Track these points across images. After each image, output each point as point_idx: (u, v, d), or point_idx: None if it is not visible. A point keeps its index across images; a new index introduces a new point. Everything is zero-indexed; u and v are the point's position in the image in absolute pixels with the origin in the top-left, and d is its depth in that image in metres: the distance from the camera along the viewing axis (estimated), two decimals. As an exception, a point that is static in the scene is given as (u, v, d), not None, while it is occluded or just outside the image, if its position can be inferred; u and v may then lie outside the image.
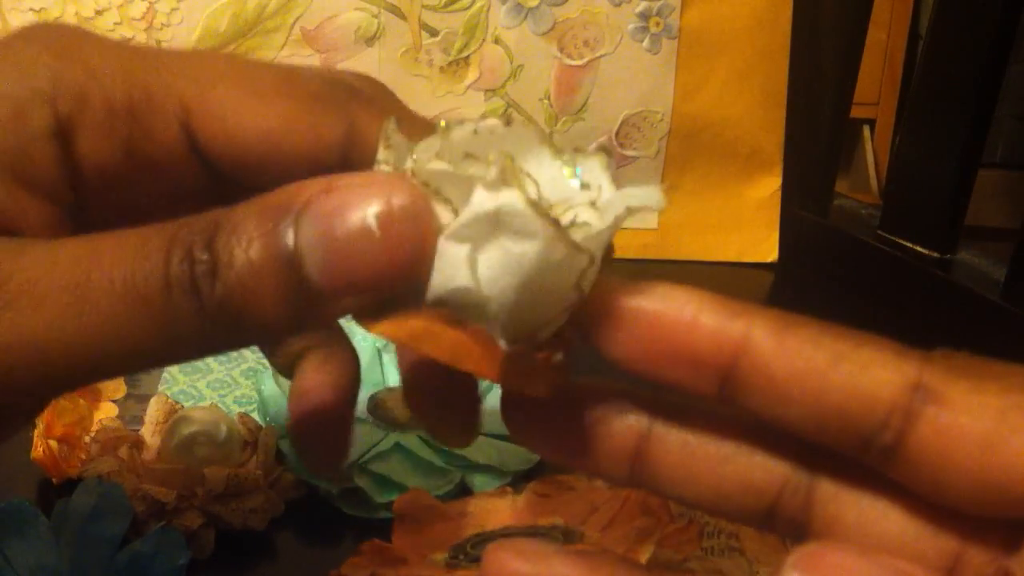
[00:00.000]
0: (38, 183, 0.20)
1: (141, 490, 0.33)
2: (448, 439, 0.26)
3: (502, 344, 0.18)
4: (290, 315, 0.18)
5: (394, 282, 0.17)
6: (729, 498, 0.20)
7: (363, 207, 0.17)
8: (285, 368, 0.27)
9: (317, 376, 0.25)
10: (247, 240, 0.17)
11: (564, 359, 0.19)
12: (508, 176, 0.17)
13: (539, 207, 0.17)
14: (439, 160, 0.18)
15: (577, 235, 0.17)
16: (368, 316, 0.18)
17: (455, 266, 0.17)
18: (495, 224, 0.17)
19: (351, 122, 0.22)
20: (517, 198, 0.16)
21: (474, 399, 0.24)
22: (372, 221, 0.17)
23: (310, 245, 0.17)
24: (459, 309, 0.18)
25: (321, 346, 0.26)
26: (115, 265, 0.18)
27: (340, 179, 0.18)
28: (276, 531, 0.35)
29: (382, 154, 0.19)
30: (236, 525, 0.34)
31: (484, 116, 0.19)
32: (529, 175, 0.18)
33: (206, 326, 0.18)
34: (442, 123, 0.18)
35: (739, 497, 0.19)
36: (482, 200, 0.17)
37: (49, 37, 0.21)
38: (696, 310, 0.18)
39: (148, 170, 0.22)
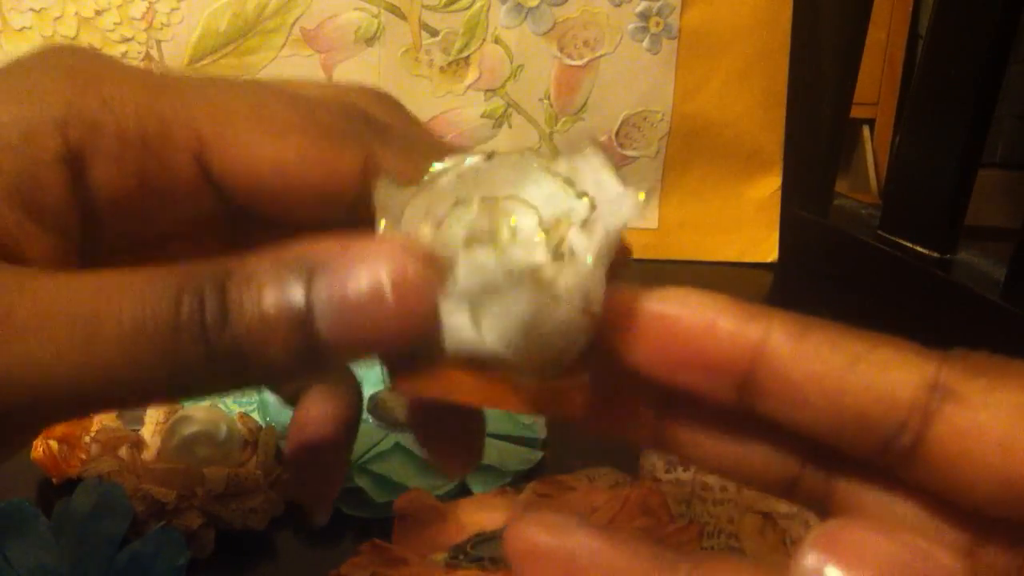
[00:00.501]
0: (46, 210, 0.20)
1: (141, 490, 0.33)
2: (452, 470, 0.27)
3: (528, 381, 0.18)
4: (297, 365, 0.18)
5: (402, 343, 0.18)
6: (752, 466, 0.20)
7: (377, 272, 0.17)
8: (289, 398, 0.27)
9: (318, 409, 0.26)
10: (259, 290, 0.18)
11: (588, 378, 0.19)
12: (494, 224, 0.17)
13: (523, 254, 0.17)
14: (430, 217, 0.18)
15: (568, 274, 0.17)
16: (394, 373, 0.19)
17: (460, 326, 0.18)
18: (487, 282, 0.17)
19: (367, 155, 0.22)
20: (494, 258, 0.17)
21: (480, 431, 0.24)
22: (386, 287, 0.17)
23: (322, 303, 0.18)
24: (477, 362, 0.18)
25: (325, 379, 0.26)
26: (124, 303, 0.18)
27: (355, 241, 0.18)
28: (276, 531, 0.35)
29: (379, 213, 0.19)
30: (236, 525, 0.34)
31: (470, 153, 0.19)
32: (526, 201, 0.18)
33: (212, 369, 0.18)
34: (432, 168, 0.19)
35: (762, 467, 0.20)
36: (471, 262, 0.17)
37: (66, 63, 0.21)
38: (713, 314, 0.18)
39: (161, 201, 0.22)
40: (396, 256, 0.18)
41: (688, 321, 0.18)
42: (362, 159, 0.22)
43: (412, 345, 0.18)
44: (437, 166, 0.19)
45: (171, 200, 0.22)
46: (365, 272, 0.18)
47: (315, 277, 0.18)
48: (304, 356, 0.18)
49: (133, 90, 0.21)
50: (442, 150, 0.22)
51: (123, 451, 0.36)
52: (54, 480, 0.36)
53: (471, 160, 0.19)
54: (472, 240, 0.17)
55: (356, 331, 0.18)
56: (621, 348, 0.19)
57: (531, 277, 0.17)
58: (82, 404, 0.19)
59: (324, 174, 0.22)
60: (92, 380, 0.18)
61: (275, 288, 0.18)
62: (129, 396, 0.19)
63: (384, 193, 0.19)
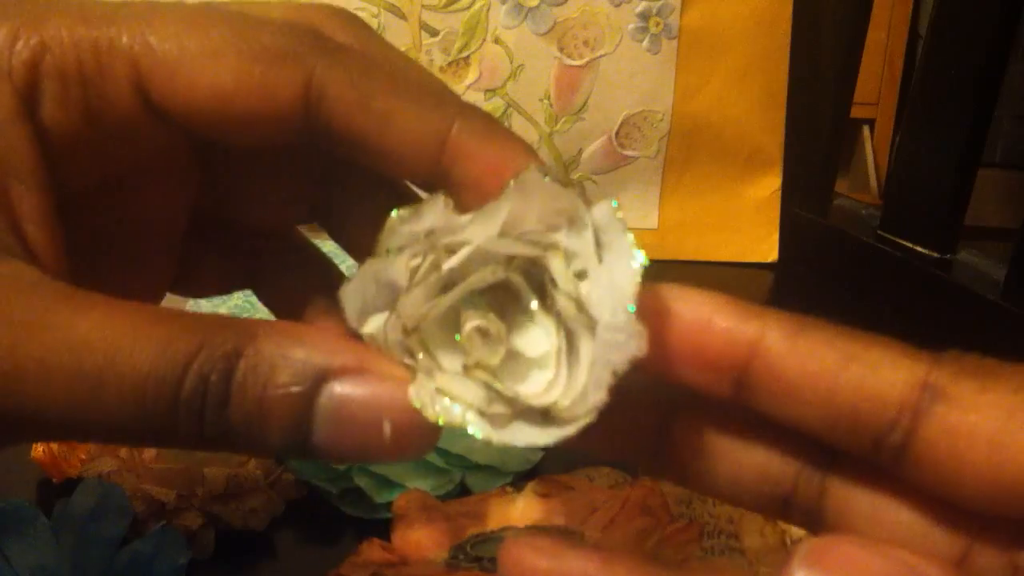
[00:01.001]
0: (23, 168, 0.20)
1: (141, 490, 0.33)
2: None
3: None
4: (285, 454, 0.19)
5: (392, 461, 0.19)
6: (746, 487, 0.20)
7: (384, 409, 0.18)
8: None
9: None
10: (264, 384, 0.18)
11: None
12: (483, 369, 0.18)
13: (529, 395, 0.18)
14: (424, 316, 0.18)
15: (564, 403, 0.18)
16: None
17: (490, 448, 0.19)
18: (497, 409, 0.18)
19: (309, 76, 0.20)
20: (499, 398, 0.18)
21: None
22: (387, 427, 0.18)
23: (324, 419, 0.18)
24: None
25: None
26: (130, 367, 0.18)
27: (373, 364, 0.18)
28: (276, 531, 0.35)
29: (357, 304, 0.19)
30: (236, 525, 0.34)
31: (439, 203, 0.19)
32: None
33: (201, 442, 0.18)
34: (393, 214, 0.18)
35: (756, 486, 0.20)
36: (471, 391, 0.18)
37: (10, 10, 0.21)
38: (711, 311, 0.18)
39: (111, 138, 0.21)
40: (404, 400, 0.18)
41: (686, 317, 0.18)
42: (303, 81, 0.20)
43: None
44: (399, 217, 0.18)
45: (121, 136, 0.21)
46: (373, 404, 0.18)
47: (321, 387, 0.18)
48: (294, 450, 0.18)
49: (70, 25, 0.20)
50: (408, 78, 0.21)
51: (123, 451, 0.36)
52: (54, 480, 0.36)
53: (433, 201, 0.18)
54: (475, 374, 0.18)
55: (349, 449, 0.18)
56: None
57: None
58: (67, 435, 0.19)
59: (262, 97, 0.20)
60: (83, 422, 0.18)
61: (281, 387, 0.18)
62: (113, 440, 0.19)
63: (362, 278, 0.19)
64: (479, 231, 0.18)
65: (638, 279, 0.18)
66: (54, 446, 0.36)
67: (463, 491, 0.38)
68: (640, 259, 0.18)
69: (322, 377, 0.18)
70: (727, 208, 0.68)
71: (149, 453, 0.37)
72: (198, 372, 0.18)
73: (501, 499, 0.36)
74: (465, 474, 0.38)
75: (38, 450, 0.36)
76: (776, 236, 0.68)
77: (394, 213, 0.18)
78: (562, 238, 0.19)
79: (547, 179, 0.18)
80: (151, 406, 0.17)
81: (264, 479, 0.35)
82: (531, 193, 0.18)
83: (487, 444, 0.19)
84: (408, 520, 0.34)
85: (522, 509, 0.35)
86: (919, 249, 0.61)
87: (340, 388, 0.18)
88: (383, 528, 0.35)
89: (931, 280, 0.59)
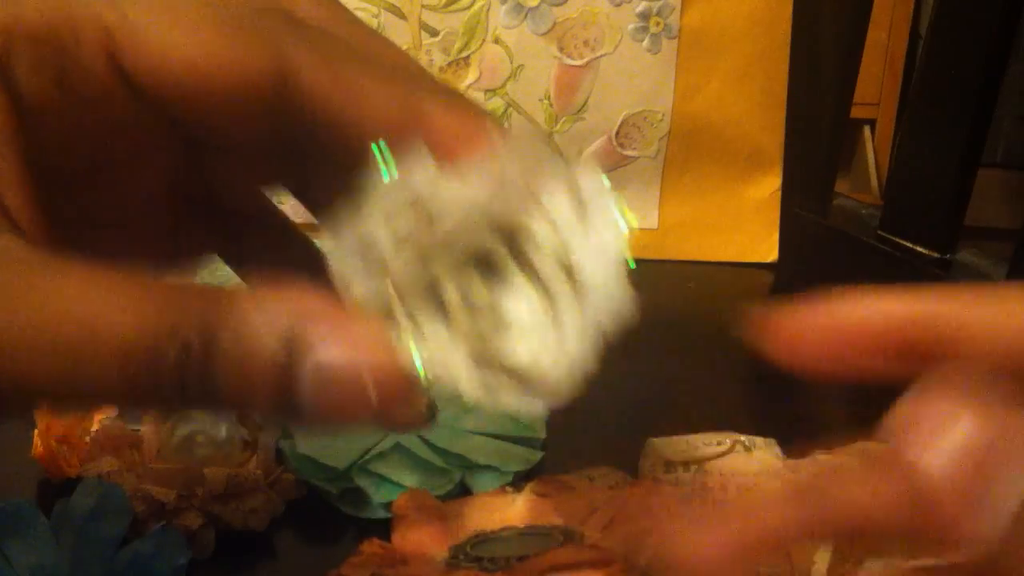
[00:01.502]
0: (9, 135, 0.20)
1: (141, 490, 0.33)
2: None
3: None
4: (269, 417, 0.18)
5: (370, 425, 0.18)
6: None
7: (367, 370, 0.18)
8: None
9: None
10: (246, 349, 0.18)
11: None
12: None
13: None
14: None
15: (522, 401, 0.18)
16: None
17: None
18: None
19: (281, 56, 0.21)
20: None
21: None
22: (372, 388, 0.18)
23: (307, 381, 0.18)
24: None
25: None
26: (111, 335, 0.18)
27: (356, 327, 0.18)
28: (276, 531, 0.35)
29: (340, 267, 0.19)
30: (236, 525, 0.34)
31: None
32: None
33: (184, 403, 0.18)
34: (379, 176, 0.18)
35: None
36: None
37: None
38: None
39: (87, 108, 0.21)
40: (388, 360, 0.18)
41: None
42: (275, 59, 0.20)
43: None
44: (385, 181, 0.19)
45: (96, 109, 0.21)
46: (355, 363, 0.18)
47: (304, 350, 0.18)
48: (279, 414, 0.18)
49: None
50: (379, 54, 0.21)
51: (123, 451, 0.36)
52: (54, 480, 0.36)
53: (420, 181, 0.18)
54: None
55: (335, 411, 0.18)
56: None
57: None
58: (45, 399, 0.19)
59: (236, 73, 0.20)
60: (65, 390, 0.18)
61: (262, 351, 0.18)
62: (96, 405, 0.19)
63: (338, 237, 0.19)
64: (464, 195, 0.18)
65: (624, 243, 0.17)
66: (54, 444, 0.36)
67: (463, 491, 0.38)
68: (625, 225, 0.17)
69: (304, 340, 0.18)
70: (727, 208, 0.68)
71: (149, 453, 0.37)
72: (179, 336, 0.17)
73: (501, 499, 0.36)
74: (465, 474, 0.38)
75: (38, 449, 0.36)
76: (776, 236, 0.68)
77: (380, 174, 0.18)
78: (547, 203, 0.18)
79: (530, 144, 0.18)
80: (133, 372, 0.18)
81: (264, 479, 0.35)
82: (516, 158, 0.18)
83: (477, 410, 0.19)
84: (408, 520, 0.34)
85: (522, 509, 0.35)
86: (919, 249, 0.61)
87: (323, 351, 0.18)
88: (383, 528, 0.35)
89: (931, 280, 0.59)
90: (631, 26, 0.64)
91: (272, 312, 0.18)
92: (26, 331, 0.18)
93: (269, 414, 0.18)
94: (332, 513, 0.37)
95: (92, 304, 0.18)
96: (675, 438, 0.38)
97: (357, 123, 0.21)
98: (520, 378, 0.18)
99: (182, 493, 0.33)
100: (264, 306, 0.18)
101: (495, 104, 0.64)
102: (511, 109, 0.64)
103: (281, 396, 0.18)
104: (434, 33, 0.62)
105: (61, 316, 0.18)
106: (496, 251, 0.19)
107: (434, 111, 0.21)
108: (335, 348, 0.18)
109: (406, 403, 0.18)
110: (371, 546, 0.32)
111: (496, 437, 0.39)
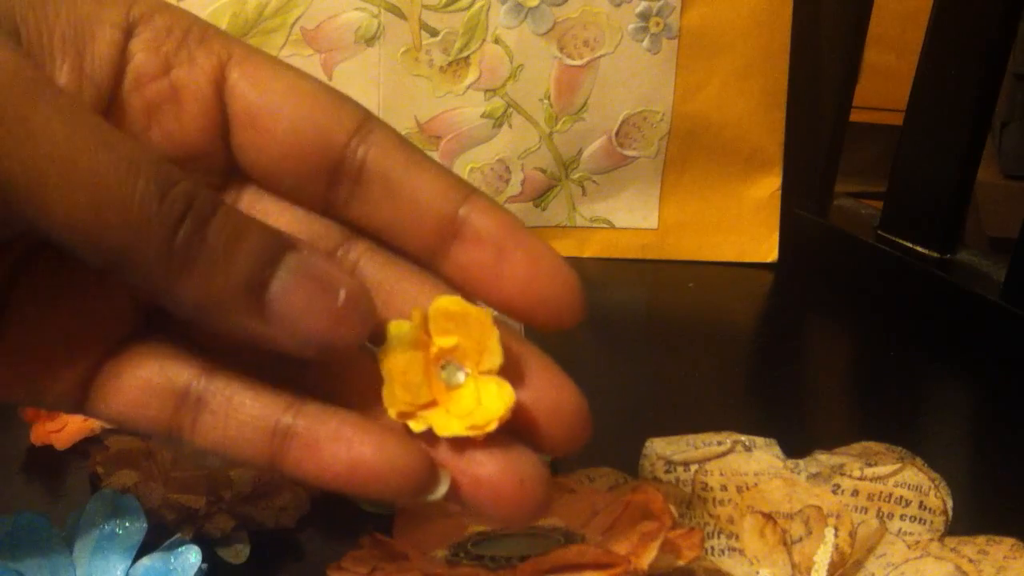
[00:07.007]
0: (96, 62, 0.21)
1: (169, 499, 0.33)
2: None
3: None
4: (236, 308, 0.20)
5: (329, 348, 0.20)
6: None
7: (343, 282, 0.20)
8: None
9: None
10: (237, 226, 0.20)
11: None
12: None
13: None
14: None
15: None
16: None
17: None
18: None
19: (363, 118, 0.22)
20: None
21: None
22: (342, 293, 0.20)
23: (288, 267, 0.20)
24: None
25: None
26: (123, 175, 0.18)
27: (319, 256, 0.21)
28: (299, 529, 0.35)
29: None
30: (269, 524, 0.34)
31: None
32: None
33: (165, 256, 0.19)
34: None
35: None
36: None
37: None
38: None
39: (175, 108, 0.22)
40: (357, 285, 0.20)
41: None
42: (359, 120, 0.22)
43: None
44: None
45: (182, 114, 0.22)
46: (331, 274, 0.20)
47: (295, 245, 0.20)
48: (249, 291, 0.20)
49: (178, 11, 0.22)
50: (428, 157, 0.23)
51: (140, 462, 0.35)
52: (36, 443, 0.36)
53: None
54: None
55: (302, 306, 0.20)
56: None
57: None
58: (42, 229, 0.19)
59: (327, 128, 0.22)
60: (65, 224, 0.18)
61: (251, 236, 0.20)
62: (73, 247, 0.19)
63: None
64: None
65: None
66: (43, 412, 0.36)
67: (463, 491, 0.38)
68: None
69: (296, 243, 0.20)
70: (727, 208, 0.68)
71: (166, 462, 0.36)
72: (186, 189, 0.19)
73: (501, 499, 0.36)
74: (465, 474, 0.38)
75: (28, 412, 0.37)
76: (776, 236, 0.68)
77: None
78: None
79: None
80: (134, 205, 0.18)
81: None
82: None
83: None
84: (410, 516, 0.34)
85: (522, 509, 0.35)
86: (919, 249, 0.61)
87: (311, 254, 0.20)
88: (384, 523, 0.35)
89: (931, 280, 0.59)
90: (631, 26, 0.64)
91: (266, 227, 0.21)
92: (32, 166, 0.18)
93: (240, 283, 0.19)
94: (354, 509, 0.36)
95: (110, 156, 0.19)
96: (675, 438, 0.38)
97: (400, 213, 0.22)
98: None
99: (210, 498, 0.33)
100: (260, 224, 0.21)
101: (495, 104, 0.64)
102: (511, 109, 0.64)
103: (264, 264, 0.20)
104: (434, 33, 0.62)
105: (70, 157, 0.18)
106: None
107: (476, 213, 0.22)
108: (323, 259, 0.20)
109: (360, 321, 0.20)
110: (372, 540, 0.32)
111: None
